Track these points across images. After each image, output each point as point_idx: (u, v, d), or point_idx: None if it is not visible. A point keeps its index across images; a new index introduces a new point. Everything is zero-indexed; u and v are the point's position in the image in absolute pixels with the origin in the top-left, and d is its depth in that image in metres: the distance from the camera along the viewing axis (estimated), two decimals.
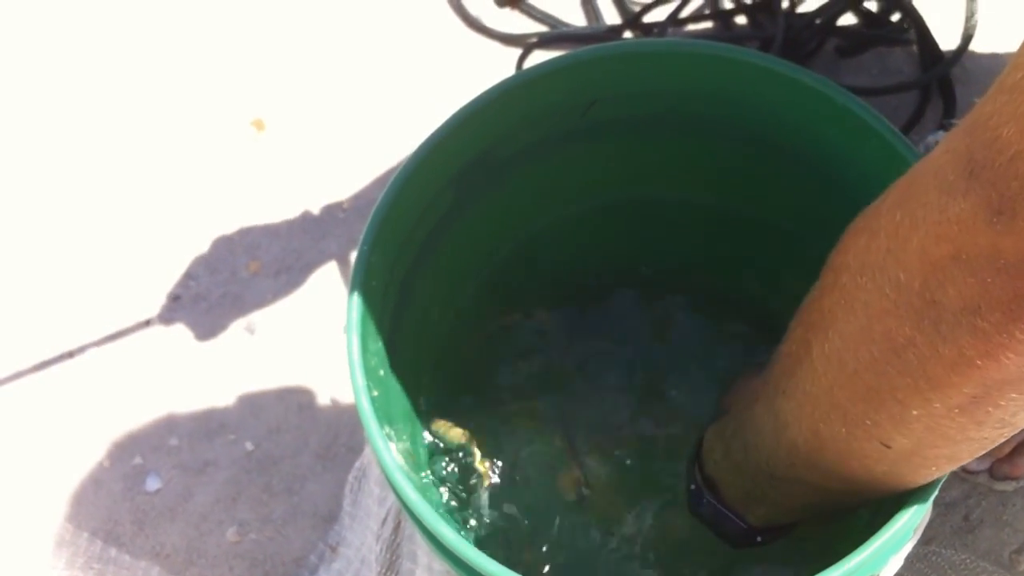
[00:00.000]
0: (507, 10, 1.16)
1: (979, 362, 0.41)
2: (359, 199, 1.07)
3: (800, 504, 0.62)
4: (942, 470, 0.51)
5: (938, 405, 0.44)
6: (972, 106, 0.39)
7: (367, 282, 0.61)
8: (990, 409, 0.43)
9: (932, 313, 0.41)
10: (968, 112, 0.40)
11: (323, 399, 0.97)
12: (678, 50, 0.69)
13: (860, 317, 0.46)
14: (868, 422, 0.48)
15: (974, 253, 0.38)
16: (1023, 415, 0.44)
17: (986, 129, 0.37)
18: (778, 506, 0.63)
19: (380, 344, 0.64)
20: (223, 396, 0.99)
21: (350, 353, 0.59)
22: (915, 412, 0.46)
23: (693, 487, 0.70)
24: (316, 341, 1.00)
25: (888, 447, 0.49)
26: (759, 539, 0.68)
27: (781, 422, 0.56)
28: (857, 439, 0.50)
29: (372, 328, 0.62)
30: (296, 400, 0.98)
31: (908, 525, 0.53)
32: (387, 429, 0.61)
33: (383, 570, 0.89)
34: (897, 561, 0.56)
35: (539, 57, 1.12)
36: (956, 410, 0.44)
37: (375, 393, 0.60)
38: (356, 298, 0.60)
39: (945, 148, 0.41)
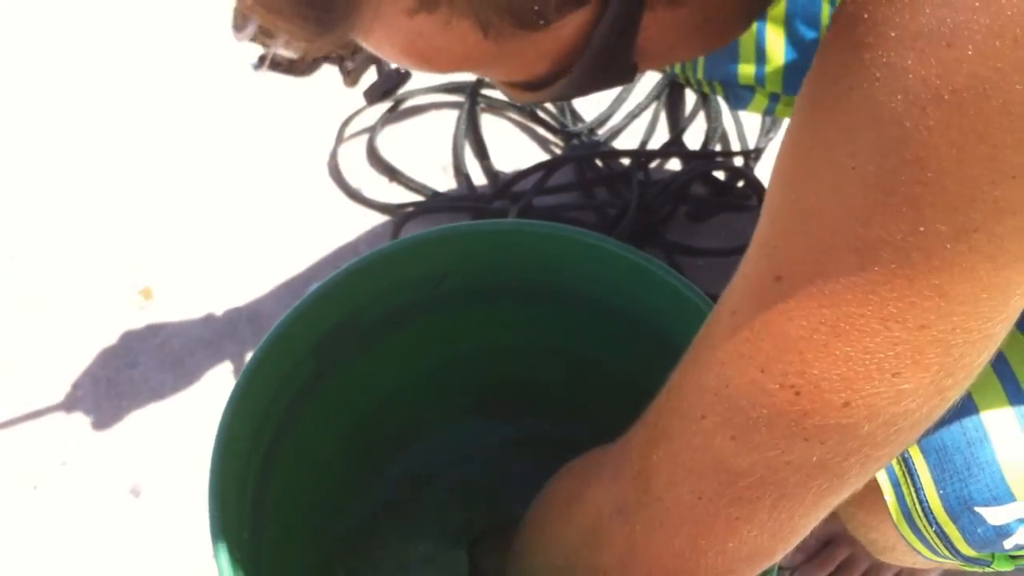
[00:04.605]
0: (385, 181, 1.23)
1: None
2: None
3: None
4: None
5: None
6: None
7: (229, 450, 0.65)
8: None
9: None
10: None
11: (209, 559, 1.00)
12: (518, 229, 0.76)
13: None
14: None
15: None
16: None
17: None
18: None
19: (244, 508, 0.68)
20: (109, 559, 1.00)
21: (211, 521, 0.63)
22: None
23: None
24: (203, 503, 1.03)
25: None
26: None
27: None
28: None
29: (233, 495, 0.66)
30: (183, 562, 1.00)
31: None
32: None
33: None
34: None
35: (415, 224, 1.19)
36: None
37: (236, 555, 0.64)
38: (217, 467, 0.64)
39: None
